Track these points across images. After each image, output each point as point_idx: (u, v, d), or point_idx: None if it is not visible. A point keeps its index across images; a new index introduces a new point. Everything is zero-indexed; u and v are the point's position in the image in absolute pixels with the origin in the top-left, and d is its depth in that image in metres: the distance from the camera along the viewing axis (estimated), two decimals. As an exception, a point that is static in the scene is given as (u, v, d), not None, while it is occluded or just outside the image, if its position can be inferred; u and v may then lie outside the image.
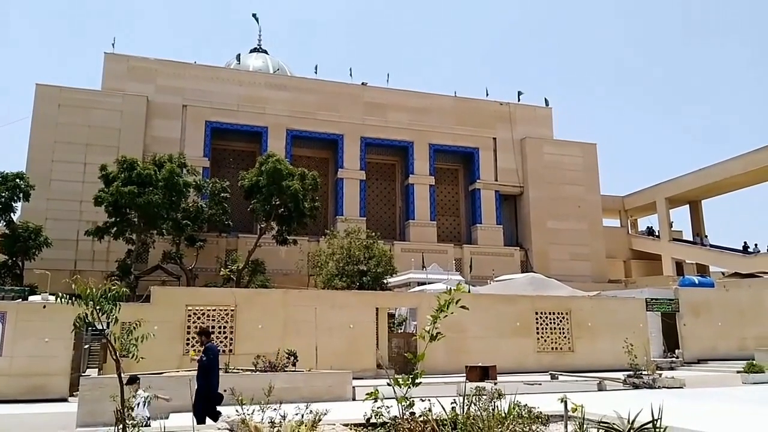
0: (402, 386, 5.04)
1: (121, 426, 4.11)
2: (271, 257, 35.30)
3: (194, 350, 13.17)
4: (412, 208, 43.78)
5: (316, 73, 45.68)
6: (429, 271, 31.61)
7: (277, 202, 31.51)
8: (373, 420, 5.21)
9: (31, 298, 20.48)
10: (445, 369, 18.41)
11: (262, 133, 41.39)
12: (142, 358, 4.92)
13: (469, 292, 23.98)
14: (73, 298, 4.89)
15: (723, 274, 43.87)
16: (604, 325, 22.54)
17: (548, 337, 22.30)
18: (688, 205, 50.49)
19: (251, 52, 52.84)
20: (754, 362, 18.68)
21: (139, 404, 9.38)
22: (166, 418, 7.38)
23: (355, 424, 5.31)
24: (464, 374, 16.98)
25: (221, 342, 18.29)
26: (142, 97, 38.94)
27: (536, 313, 22.43)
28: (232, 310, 18.63)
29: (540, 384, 15.52)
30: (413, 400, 5.08)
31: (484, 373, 16.56)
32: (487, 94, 47.81)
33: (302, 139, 42.80)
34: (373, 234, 30.32)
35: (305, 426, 4.18)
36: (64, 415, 12.22)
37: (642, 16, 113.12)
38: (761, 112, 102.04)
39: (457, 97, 46.95)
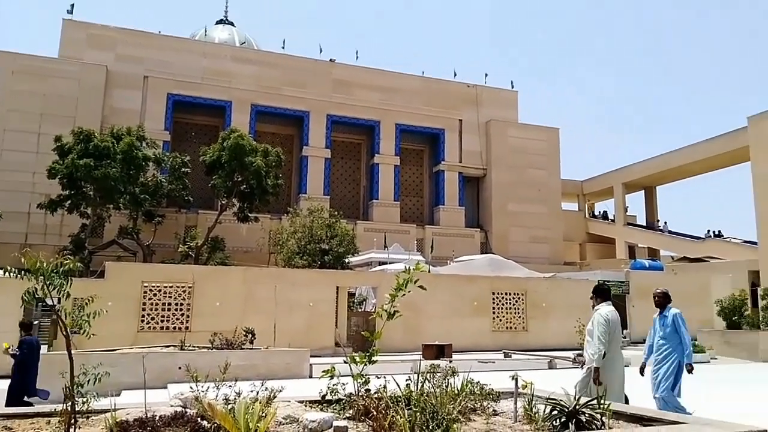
0: (358, 364, 5.11)
1: (70, 403, 4.06)
2: (232, 234, 34.90)
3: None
4: (377, 188, 43.80)
5: (283, 48, 44.90)
6: (391, 251, 31.83)
7: (239, 179, 31.07)
8: (328, 397, 5.28)
9: (-22, 271, 19.74)
10: (403, 347, 18.67)
11: (225, 107, 40.58)
12: (93, 334, 4.84)
13: (429, 272, 24.30)
14: (23, 272, 4.76)
15: (672, 258, 45.55)
16: (557, 306, 23.19)
17: (504, 316, 22.85)
18: (643, 191, 52.06)
19: (217, 23, 51.47)
20: (696, 343, 19.60)
21: None
22: (118, 395, 7.29)
23: (311, 401, 5.37)
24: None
25: (177, 319, 18.11)
26: (101, 66, 37.57)
27: (493, 294, 22.91)
28: (189, 287, 18.41)
29: (494, 362, 15.96)
30: (369, 378, 5.16)
31: (440, 351, 16.89)
32: (455, 75, 47.94)
33: (267, 115, 42.16)
34: (337, 213, 30.26)
35: (260, 403, 4.21)
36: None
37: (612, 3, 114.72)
38: (721, 100, 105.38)
39: (425, 78, 46.88)
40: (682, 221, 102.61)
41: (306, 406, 5.20)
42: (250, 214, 32.79)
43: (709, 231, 45.26)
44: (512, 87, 49.75)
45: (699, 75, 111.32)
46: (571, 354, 17.52)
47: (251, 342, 13.60)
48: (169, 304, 18.19)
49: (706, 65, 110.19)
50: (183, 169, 33.46)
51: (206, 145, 33.42)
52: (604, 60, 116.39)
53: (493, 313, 22.75)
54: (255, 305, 18.70)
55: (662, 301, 7.84)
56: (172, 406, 4.71)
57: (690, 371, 7.45)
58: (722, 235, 44.24)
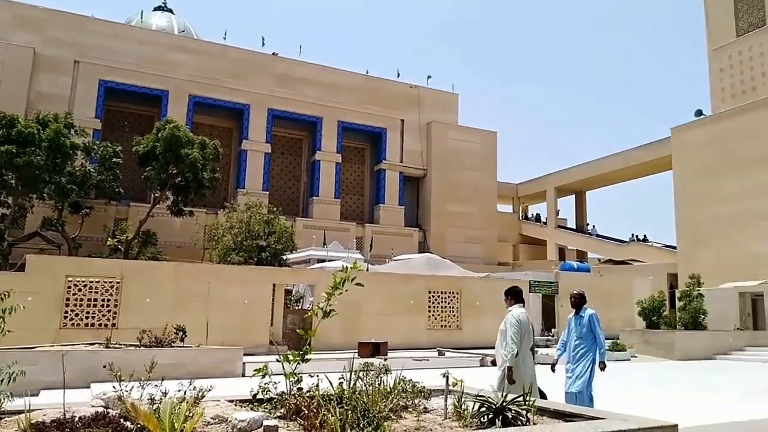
0: (291, 362, 5.08)
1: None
2: (165, 228, 33.80)
3: None
4: (317, 184, 43.54)
5: (225, 38, 43.90)
6: (330, 248, 31.74)
7: (174, 171, 30.09)
8: (259, 396, 5.21)
9: None
10: (340, 345, 18.69)
11: (162, 97, 39.21)
12: (9, 331, 4.58)
13: (367, 270, 24.40)
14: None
15: (599, 260, 47.72)
16: (490, 305, 23.72)
17: (439, 315, 23.25)
18: (574, 195, 54.27)
19: (155, 10, 49.64)
20: (618, 341, 20.64)
21: None
22: (36, 394, 6.92)
23: (241, 400, 5.28)
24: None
25: (104, 316, 17.37)
26: (27, 48, 35.49)
27: (429, 292, 23.28)
28: (117, 282, 17.71)
29: (428, 360, 16.22)
30: (302, 376, 5.13)
31: (375, 349, 17.01)
32: (398, 76, 48.32)
33: (206, 107, 41.06)
34: (275, 209, 29.85)
35: (187, 402, 4.11)
36: None
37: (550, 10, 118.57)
38: (651, 107, 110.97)
39: (369, 76, 46.99)
40: (609, 225, 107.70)
41: (236, 405, 5.11)
42: (184, 208, 31.81)
43: (633, 235, 47.75)
44: (453, 89, 50.68)
45: (636, 83, 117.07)
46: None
47: (182, 340, 13.23)
48: (95, 299, 17.43)
49: (642, 73, 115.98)
50: (114, 159, 32.07)
51: (140, 135, 32.18)
52: (545, 66, 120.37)
53: (429, 311, 23.11)
54: (187, 302, 18.21)
55: (578, 301, 8.08)
56: (93, 406, 4.52)
57: (602, 369, 7.76)
58: (648, 240, 46.76)
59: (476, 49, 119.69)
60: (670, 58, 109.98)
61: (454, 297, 23.67)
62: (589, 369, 7.80)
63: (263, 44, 44.28)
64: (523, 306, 7.10)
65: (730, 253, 31.62)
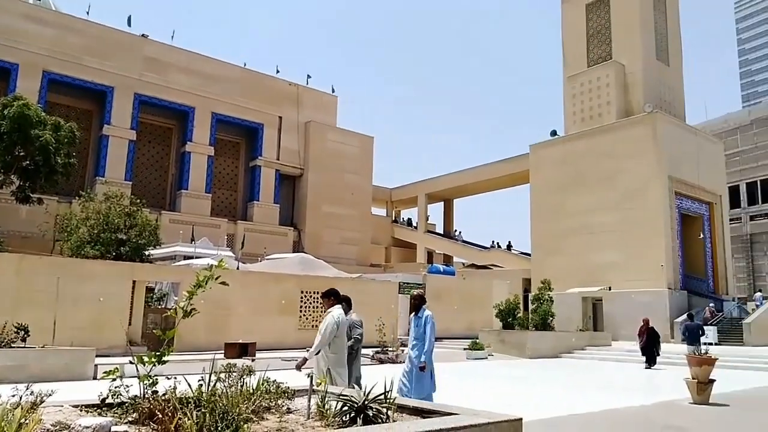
0: (146, 364, 4.81)
1: None
2: (8, 216, 30.39)
3: None
4: (187, 177, 41.52)
5: (87, 14, 40.35)
6: (198, 245, 30.39)
7: (22, 153, 27.06)
8: (109, 400, 4.87)
9: None
10: (207, 346, 18.03)
11: (10, 70, 35.22)
12: None
13: (238, 268, 23.71)
14: None
15: (463, 264, 50.51)
16: (361, 305, 23.84)
17: (310, 315, 23.22)
18: (443, 203, 57.01)
19: (5, -28, 44.32)
20: (477, 341, 21.96)
21: None
22: None
23: (88, 405, 4.88)
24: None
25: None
26: None
27: (302, 292, 23.17)
28: (-55, 275, 15.59)
29: (296, 360, 16.09)
30: (158, 379, 4.88)
31: (243, 349, 16.61)
32: (278, 72, 47.56)
33: (62, 86, 37.48)
34: (139, 201, 27.94)
35: (22, 408, 3.73)
36: None
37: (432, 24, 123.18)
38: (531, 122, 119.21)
39: (247, 69, 45.76)
40: (474, 232, 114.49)
41: (82, 410, 4.73)
42: (32, 195, 28.73)
43: (494, 242, 51.16)
44: (333, 92, 50.94)
45: (516, 98, 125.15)
46: (370, 351, 18.42)
47: (23, 340, 11.99)
48: None
49: (519, 90, 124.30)
50: (-53, 136, 28.14)
51: (-19, 111, 28.55)
52: (427, 76, 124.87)
53: (301, 311, 22.98)
54: (32, 298, 16.55)
55: (418, 302, 8.25)
56: None
57: (422, 369, 7.92)
58: (511, 247, 50.34)
59: (356, 54, 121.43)
60: (552, 76, 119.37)
61: (325, 297, 23.75)
62: (429, 372, 8.05)
63: (129, 24, 41.35)
64: (343, 307, 7.27)
65: (575, 262, 34.97)
